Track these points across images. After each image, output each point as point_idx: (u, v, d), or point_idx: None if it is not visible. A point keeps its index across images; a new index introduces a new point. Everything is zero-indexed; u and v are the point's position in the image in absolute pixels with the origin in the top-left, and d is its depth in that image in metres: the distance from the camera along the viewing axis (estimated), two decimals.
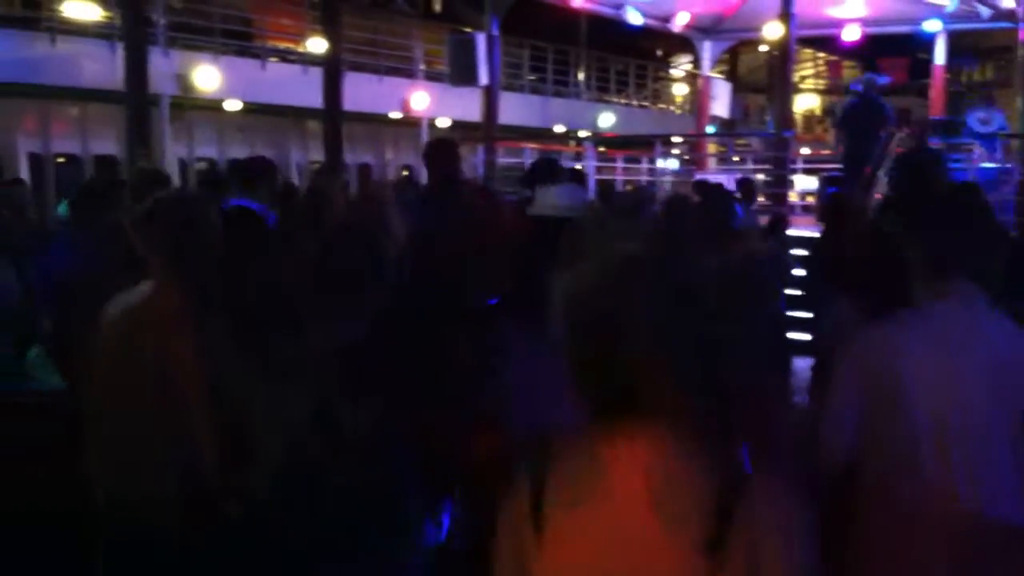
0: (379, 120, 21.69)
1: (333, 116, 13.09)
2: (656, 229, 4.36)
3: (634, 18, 16.27)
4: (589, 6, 16.51)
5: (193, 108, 18.42)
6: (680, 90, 35.09)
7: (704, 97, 19.20)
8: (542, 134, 23.89)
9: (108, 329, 3.28)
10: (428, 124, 21.92)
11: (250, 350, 2.94)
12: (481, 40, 14.13)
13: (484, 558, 1.88)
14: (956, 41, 17.56)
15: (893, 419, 2.68)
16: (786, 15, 12.61)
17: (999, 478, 2.63)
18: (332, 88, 12.98)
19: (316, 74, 15.03)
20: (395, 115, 21.76)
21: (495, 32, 14.41)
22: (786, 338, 4.95)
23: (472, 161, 14.35)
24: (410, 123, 22.04)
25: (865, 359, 2.77)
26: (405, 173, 9.98)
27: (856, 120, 11.99)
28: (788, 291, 6.85)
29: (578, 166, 13.61)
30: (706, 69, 19.20)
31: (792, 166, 13.86)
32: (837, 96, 33.24)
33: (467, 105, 17.02)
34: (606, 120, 27.60)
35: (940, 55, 16.75)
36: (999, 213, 8.81)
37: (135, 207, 3.54)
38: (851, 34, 16.25)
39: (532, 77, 27.19)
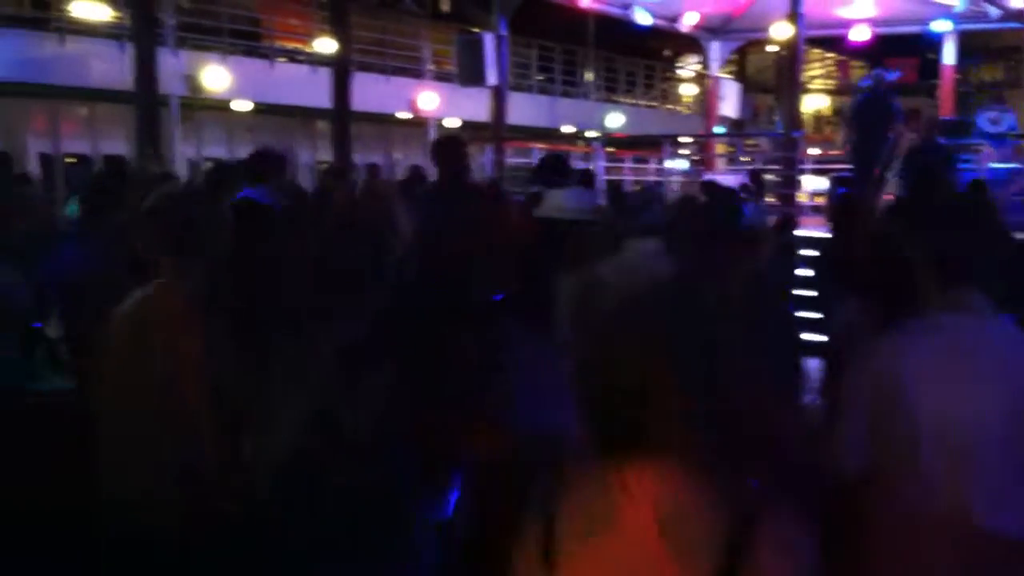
0: (387, 120, 21.72)
1: (341, 116, 13.12)
2: (664, 231, 4.35)
3: (642, 18, 16.26)
4: (597, 6, 16.51)
5: (202, 108, 18.45)
6: (689, 90, 35.07)
7: (712, 97, 19.19)
8: (550, 134, 23.88)
9: (116, 328, 3.28)
10: (436, 124, 21.93)
11: (251, 350, 2.94)
12: (489, 40, 14.14)
13: (486, 550, 1.87)
14: (965, 41, 17.51)
15: (901, 428, 2.66)
16: (795, 15, 12.59)
17: (1006, 489, 2.62)
18: (341, 88, 13.00)
19: (324, 74, 15.06)
20: (403, 115, 21.78)
21: (503, 32, 14.41)
22: (796, 346, 4.93)
23: (480, 161, 14.36)
24: (418, 123, 22.05)
25: (874, 370, 2.76)
26: (414, 168, 9.94)
27: (865, 116, 11.97)
28: (798, 291, 6.83)
29: (587, 167, 13.61)
30: (714, 69, 19.17)
31: (801, 166, 13.84)
32: (846, 96, 33.16)
33: (475, 105, 17.02)
34: (614, 120, 27.58)
35: (949, 55, 16.72)
36: (1009, 213, 8.80)
37: (138, 206, 3.54)
38: (860, 34, 16.22)
39: (540, 77, 27.20)
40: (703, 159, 19.41)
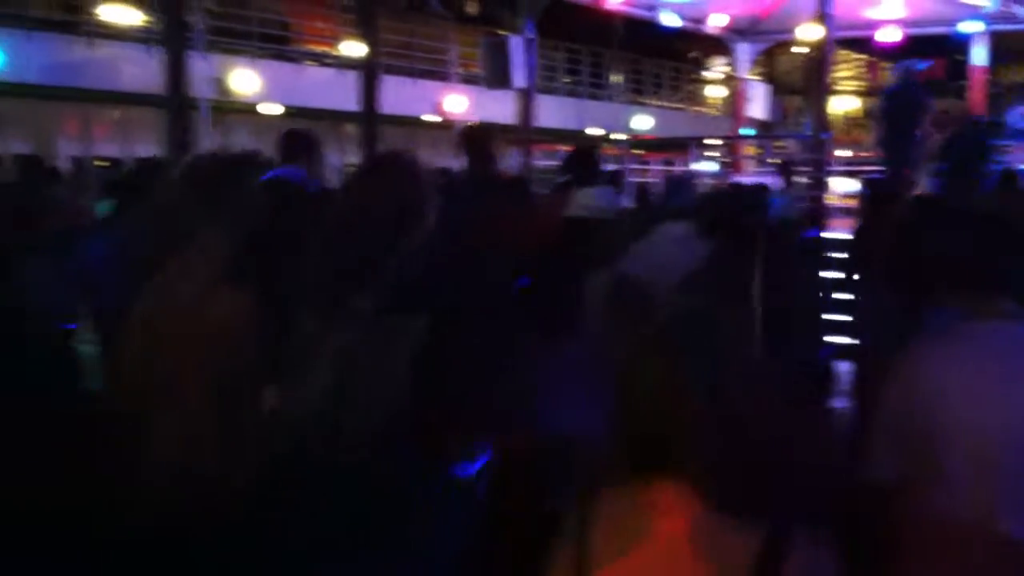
0: (415, 123, 21.78)
1: (369, 119, 13.13)
2: (694, 214, 4.33)
3: (669, 20, 16.23)
4: (624, 8, 16.48)
5: (231, 111, 18.57)
6: (716, 92, 34.97)
7: (740, 99, 19.12)
8: (577, 137, 23.87)
9: (135, 322, 3.24)
10: (463, 127, 21.97)
11: (275, 321, 2.93)
12: (516, 43, 14.13)
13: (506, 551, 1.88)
14: (995, 42, 17.37)
15: (930, 435, 2.64)
16: (823, 16, 12.52)
17: None
18: (368, 91, 13.03)
19: (352, 77, 15.10)
20: (430, 118, 21.83)
21: (530, 35, 14.41)
22: (822, 343, 4.93)
23: (508, 163, 14.36)
24: (445, 126, 22.10)
25: (905, 376, 2.74)
26: (440, 170, 9.89)
27: (895, 106, 11.94)
28: (825, 292, 6.80)
29: (615, 168, 13.60)
30: (742, 71, 19.11)
31: (830, 168, 13.77)
32: (875, 98, 32.98)
33: (502, 108, 17.04)
34: (641, 122, 27.54)
35: (979, 56, 16.59)
36: None
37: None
38: (889, 35, 16.13)
39: (567, 79, 27.20)
40: (731, 161, 19.35)
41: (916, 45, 16.69)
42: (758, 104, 18.84)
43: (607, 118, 26.13)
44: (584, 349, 3.09)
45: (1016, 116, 14.05)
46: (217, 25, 18.25)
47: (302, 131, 5.78)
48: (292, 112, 19.49)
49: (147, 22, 17.70)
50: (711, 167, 19.83)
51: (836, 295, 6.70)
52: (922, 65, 12.44)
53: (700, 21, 17.31)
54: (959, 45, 18.37)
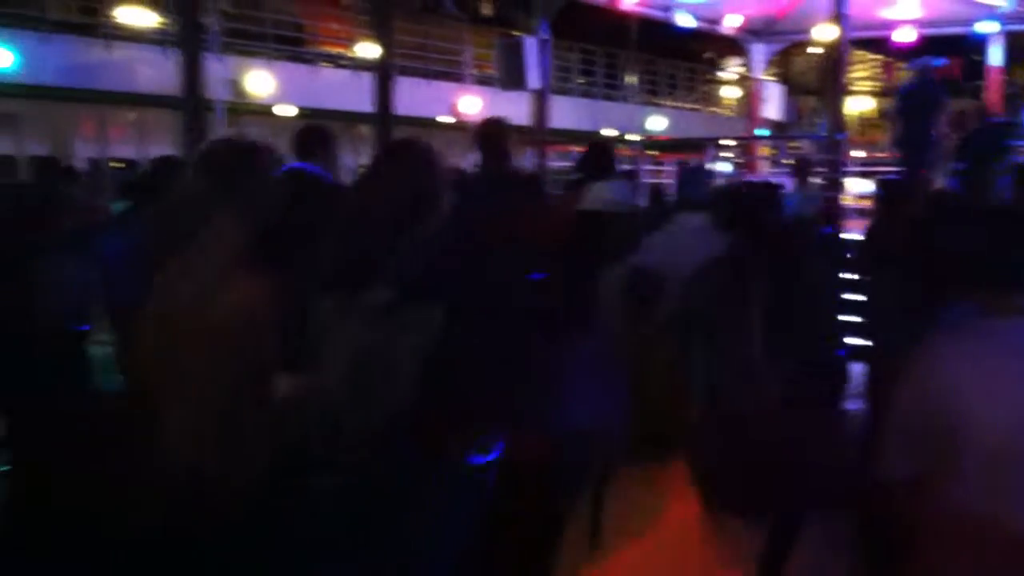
0: (429, 124, 21.80)
1: (384, 120, 13.15)
2: (710, 206, 4.31)
3: (684, 21, 16.19)
4: (639, 9, 16.45)
5: (247, 113, 18.64)
6: (731, 93, 34.91)
7: (755, 100, 19.06)
8: (592, 138, 23.85)
9: (150, 312, 3.23)
10: None
11: (297, 306, 2.93)
12: (530, 44, 14.12)
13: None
14: (1011, 42, 17.29)
15: (947, 432, 2.64)
16: (839, 17, 12.48)
17: None
18: (383, 93, 13.04)
19: (367, 79, 15.13)
20: (445, 119, 21.85)
21: (545, 36, 14.41)
22: (836, 339, 4.90)
23: (522, 164, 14.35)
24: (460, 127, 22.12)
25: (925, 376, 2.73)
26: (454, 168, 9.85)
27: (912, 103, 11.90)
28: (840, 294, 6.78)
29: (630, 168, 13.58)
30: (757, 72, 19.05)
31: (845, 169, 13.72)
32: (891, 98, 32.87)
33: (517, 109, 16.98)
34: (656, 123, 27.51)
35: (995, 56, 16.52)
36: None
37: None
38: (904, 36, 16.08)
39: (582, 80, 27.19)
40: (746, 162, 19.30)
41: (932, 45, 16.62)
42: (773, 105, 18.78)
43: (622, 119, 26.11)
44: (598, 344, 3.09)
45: None
46: (232, 27, 18.32)
47: (317, 126, 5.78)
48: (307, 113, 19.54)
49: (163, 24, 17.78)
50: (726, 168, 19.79)
51: (848, 296, 6.68)
52: (938, 62, 12.37)
53: (715, 22, 17.27)
54: (975, 45, 18.30)
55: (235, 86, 17.69)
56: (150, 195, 6.00)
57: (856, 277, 6.82)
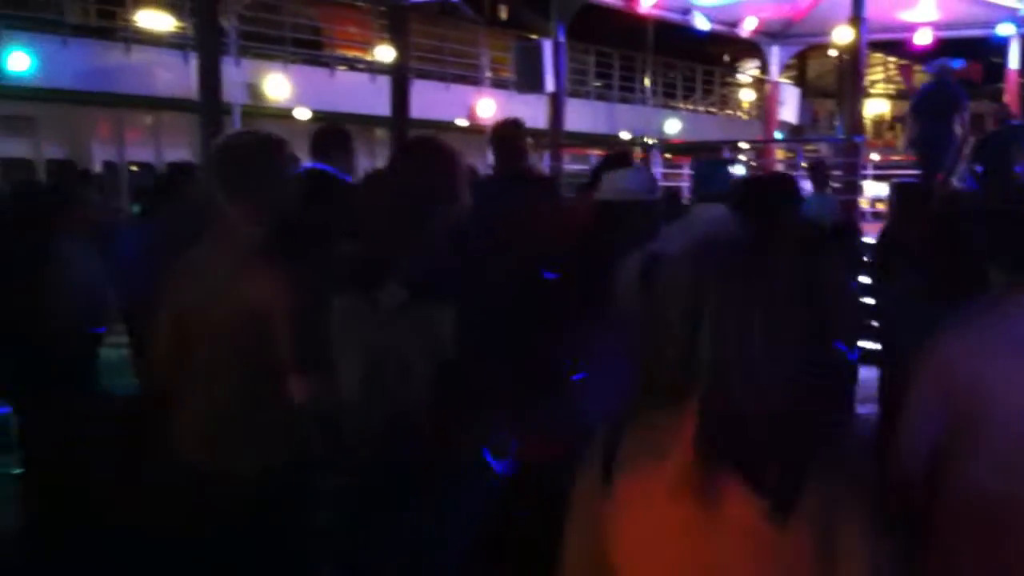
0: (446, 127, 21.83)
1: (400, 124, 13.19)
2: (730, 198, 4.28)
3: (701, 23, 16.16)
4: (656, 12, 16.42)
5: (264, 116, 18.70)
6: (748, 96, 34.84)
7: (772, 103, 19.01)
8: (608, 141, 23.84)
9: (166, 309, 3.24)
10: None
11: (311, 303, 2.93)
12: (547, 47, 14.13)
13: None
14: None
15: (977, 426, 2.62)
16: (857, 19, 12.44)
17: None
18: (400, 96, 13.09)
19: (384, 82, 15.18)
20: (461, 122, 21.87)
21: (561, 39, 14.41)
22: (851, 342, 4.88)
23: (538, 166, 14.35)
24: (476, 131, 22.13)
25: (945, 365, 2.71)
26: (468, 168, 9.82)
27: (930, 104, 11.82)
28: (857, 298, 6.75)
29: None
30: (774, 74, 19.00)
31: (863, 172, 13.68)
32: (907, 101, 32.78)
33: (533, 112, 17.02)
34: (673, 126, 27.48)
35: (1015, 59, 16.43)
36: None
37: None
38: (923, 38, 16.00)
39: (598, 83, 27.18)
40: (762, 165, 19.26)
41: (950, 48, 16.55)
42: (790, 107, 18.73)
43: (638, 122, 26.09)
44: (614, 341, 3.07)
45: None
46: (250, 31, 18.38)
47: (334, 127, 5.79)
48: (323, 117, 19.58)
49: (181, 28, 17.86)
50: (742, 171, 19.74)
51: (863, 299, 6.66)
52: (957, 64, 12.29)
53: (733, 24, 17.22)
54: (995, 48, 18.20)
55: (252, 89, 17.76)
56: (166, 199, 6.02)
57: (869, 281, 6.80)
